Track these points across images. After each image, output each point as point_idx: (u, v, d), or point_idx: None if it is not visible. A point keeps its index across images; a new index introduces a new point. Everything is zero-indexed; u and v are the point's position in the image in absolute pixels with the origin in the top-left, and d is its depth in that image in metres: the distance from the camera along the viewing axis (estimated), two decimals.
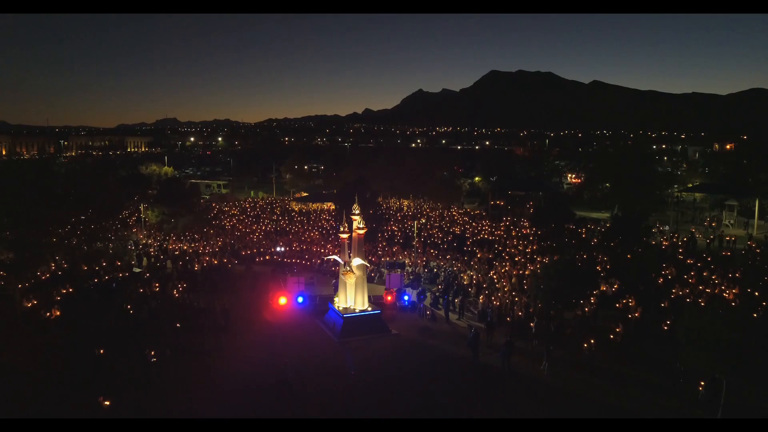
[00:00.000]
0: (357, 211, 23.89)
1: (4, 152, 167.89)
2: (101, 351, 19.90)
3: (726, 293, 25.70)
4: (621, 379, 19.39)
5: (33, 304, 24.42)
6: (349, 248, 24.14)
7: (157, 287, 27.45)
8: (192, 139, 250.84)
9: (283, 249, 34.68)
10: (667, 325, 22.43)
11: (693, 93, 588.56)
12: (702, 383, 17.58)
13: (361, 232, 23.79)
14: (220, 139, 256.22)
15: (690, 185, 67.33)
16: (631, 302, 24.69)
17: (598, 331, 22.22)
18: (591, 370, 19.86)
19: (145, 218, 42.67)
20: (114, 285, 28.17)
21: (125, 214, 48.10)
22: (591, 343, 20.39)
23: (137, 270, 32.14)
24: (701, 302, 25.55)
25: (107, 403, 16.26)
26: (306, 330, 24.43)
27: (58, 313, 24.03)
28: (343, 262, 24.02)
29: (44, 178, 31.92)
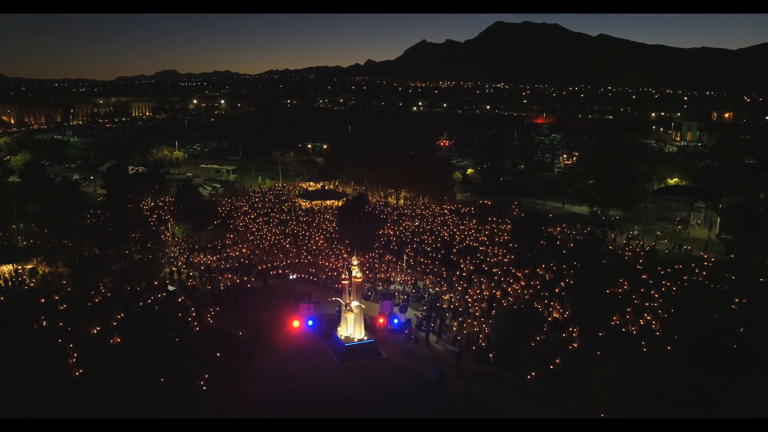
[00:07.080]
0: (355, 263, 29.65)
1: (12, 121, 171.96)
2: (162, 380, 26.16)
3: (654, 323, 31.63)
4: (553, 404, 25.55)
5: (98, 330, 30.58)
6: (349, 291, 30.06)
7: (193, 312, 33.58)
8: (195, 101, 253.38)
9: (294, 277, 40.68)
10: (600, 354, 28.40)
11: (702, 48, 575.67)
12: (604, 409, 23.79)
13: (359, 280, 29.67)
14: (222, 102, 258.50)
15: (669, 180, 72.31)
16: (574, 333, 30.76)
17: (543, 361, 28.34)
18: (532, 397, 26.07)
19: (172, 234, 48.49)
20: (156, 307, 34.28)
21: (145, 210, 53.73)
22: (533, 375, 26.60)
23: (171, 288, 38.23)
24: (633, 330, 31.68)
25: None
26: (315, 353, 30.73)
27: (119, 339, 30.23)
28: (344, 304, 30.04)
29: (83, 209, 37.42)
